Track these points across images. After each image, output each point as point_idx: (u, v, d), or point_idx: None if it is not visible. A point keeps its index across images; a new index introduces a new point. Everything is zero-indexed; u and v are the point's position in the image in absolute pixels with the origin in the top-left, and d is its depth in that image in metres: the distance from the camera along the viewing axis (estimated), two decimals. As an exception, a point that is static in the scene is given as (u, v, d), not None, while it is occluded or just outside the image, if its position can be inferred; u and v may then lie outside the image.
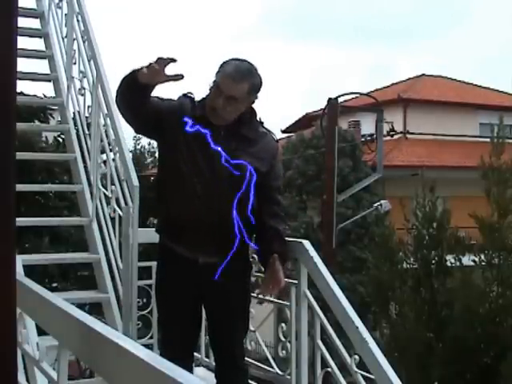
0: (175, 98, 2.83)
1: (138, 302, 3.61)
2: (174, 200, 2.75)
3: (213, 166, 2.67)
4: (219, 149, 2.66)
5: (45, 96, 6.21)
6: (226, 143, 2.70)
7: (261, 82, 2.73)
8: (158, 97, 2.73)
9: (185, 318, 2.83)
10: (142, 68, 2.54)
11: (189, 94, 2.80)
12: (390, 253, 8.88)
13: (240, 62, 2.71)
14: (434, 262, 8.55)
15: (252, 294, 3.01)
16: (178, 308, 2.82)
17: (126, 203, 3.77)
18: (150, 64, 2.50)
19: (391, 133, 16.49)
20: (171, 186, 2.75)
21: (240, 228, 2.73)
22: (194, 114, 2.73)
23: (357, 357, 2.84)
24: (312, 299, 3.10)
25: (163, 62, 2.49)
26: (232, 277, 2.78)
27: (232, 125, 2.72)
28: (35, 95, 6.73)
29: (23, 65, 5.24)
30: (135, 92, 2.60)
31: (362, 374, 2.85)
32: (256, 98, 2.75)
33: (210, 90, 2.72)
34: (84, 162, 4.61)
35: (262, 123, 2.88)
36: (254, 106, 2.79)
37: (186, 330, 2.86)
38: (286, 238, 2.89)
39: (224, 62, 2.72)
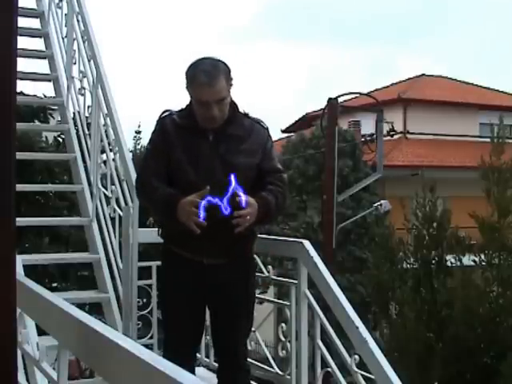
0: (155, 124, 2.84)
1: (138, 302, 3.61)
2: None
3: (210, 175, 2.66)
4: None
5: (45, 96, 6.20)
6: (215, 148, 2.70)
7: (227, 66, 2.68)
8: (159, 157, 2.75)
9: (190, 320, 2.83)
10: (179, 205, 2.58)
11: (164, 114, 2.80)
12: (389, 253, 8.88)
13: (201, 64, 2.65)
14: (434, 261, 8.54)
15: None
16: (183, 310, 2.81)
17: (126, 203, 3.78)
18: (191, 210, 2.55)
19: (391, 133, 16.49)
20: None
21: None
22: (180, 125, 2.73)
23: (357, 357, 2.84)
24: (312, 299, 3.10)
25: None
26: (236, 277, 2.78)
27: (218, 126, 2.71)
28: (35, 95, 6.71)
29: (23, 65, 5.25)
30: (167, 220, 2.78)
31: (362, 374, 2.85)
32: (232, 81, 2.70)
33: (191, 102, 2.70)
34: (84, 162, 4.61)
35: (247, 114, 2.82)
36: (234, 100, 2.74)
37: (191, 331, 2.86)
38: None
39: (189, 73, 2.65)
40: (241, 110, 2.81)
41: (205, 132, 2.71)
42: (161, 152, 2.76)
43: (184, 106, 2.79)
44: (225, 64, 2.68)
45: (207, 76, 2.60)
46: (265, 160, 2.80)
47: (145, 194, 2.86)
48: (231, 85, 2.69)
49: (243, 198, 2.57)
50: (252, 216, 2.61)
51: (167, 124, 2.76)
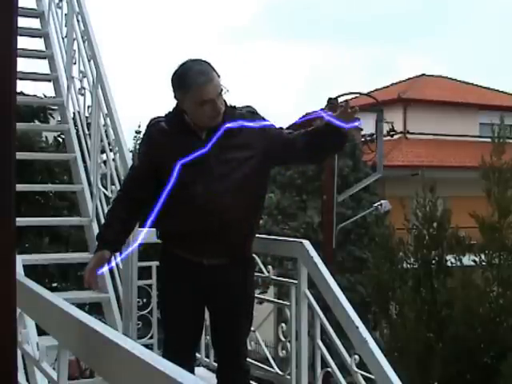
0: (143, 134, 2.88)
1: (138, 301, 3.62)
2: (175, 210, 2.69)
3: (208, 173, 2.66)
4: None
5: (45, 96, 6.20)
6: (209, 146, 2.66)
7: (207, 61, 2.67)
8: (143, 170, 2.82)
9: (189, 321, 2.83)
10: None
11: (152, 122, 2.79)
12: (389, 253, 8.88)
13: (189, 68, 2.62)
14: (434, 261, 8.54)
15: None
16: (182, 310, 2.81)
17: (126, 203, 3.77)
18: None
19: (391, 133, 16.48)
20: (171, 198, 2.73)
21: (243, 229, 2.74)
22: (169, 130, 2.72)
23: (357, 357, 2.84)
24: (312, 299, 3.10)
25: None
26: (236, 277, 2.78)
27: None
28: (35, 95, 6.72)
29: (23, 65, 5.25)
30: None
31: (362, 374, 2.85)
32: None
33: (179, 106, 2.68)
34: (84, 162, 4.61)
35: (235, 107, 2.78)
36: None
37: (191, 332, 2.86)
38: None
39: (183, 81, 2.62)
40: (228, 104, 2.76)
41: (196, 132, 2.69)
42: (147, 162, 2.78)
43: (171, 110, 2.77)
44: (205, 60, 2.67)
45: (204, 74, 2.58)
46: (277, 135, 2.74)
47: (109, 209, 3.12)
48: (219, 76, 2.67)
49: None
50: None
51: (154, 132, 2.76)
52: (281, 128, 2.82)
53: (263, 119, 2.79)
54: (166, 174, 2.70)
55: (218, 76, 2.65)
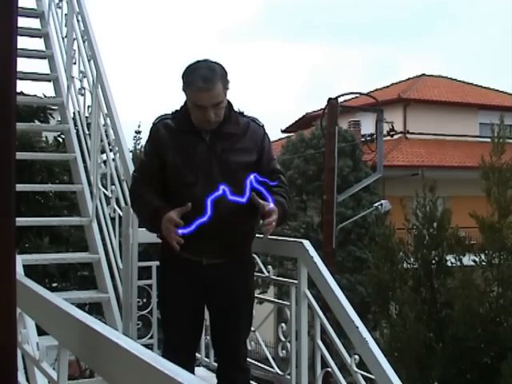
0: (149, 131, 2.85)
1: (138, 301, 3.62)
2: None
3: (208, 175, 2.67)
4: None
5: (45, 96, 6.20)
6: (212, 147, 2.70)
7: (224, 69, 2.68)
8: (152, 166, 2.77)
9: (189, 320, 2.83)
10: (161, 221, 2.61)
11: (157, 120, 2.81)
12: (390, 253, 8.87)
13: (198, 68, 2.64)
14: (434, 261, 8.53)
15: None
16: (182, 310, 2.81)
17: (126, 203, 3.78)
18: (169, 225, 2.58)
19: (391, 133, 16.47)
20: (171, 197, 2.74)
21: (242, 229, 2.74)
22: (175, 128, 2.74)
23: (357, 357, 2.84)
24: (312, 299, 3.10)
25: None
26: (236, 277, 2.79)
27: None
28: (35, 95, 6.71)
29: (23, 65, 5.26)
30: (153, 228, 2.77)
31: (362, 374, 2.85)
32: (228, 84, 2.70)
33: (186, 103, 2.70)
34: (84, 162, 4.61)
35: (242, 113, 2.84)
36: (229, 98, 2.73)
37: (190, 331, 2.86)
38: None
39: (187, 77, 2.64)
40: (236, 108, 2.81)
41: (201, 132, 2.72)
42: (155, 159, 2.77)
43: (178, 108, 2.79)
44: (221, 67, 2.68)
45: (205, 81, 2.60)
46: (264, 159, 2.80)
47: (135, 206, 2.92)
48: (227, 88, 2.69)
49: (271, 205, 2.61)
50: (275, 221, 2.64)
51: (161, 129, 2.77)
52: (273, 159, 2.88)
53: (268, 138, 2.86)
54: (169, 173, 2.72)
55: (226, 87, 2.66)
